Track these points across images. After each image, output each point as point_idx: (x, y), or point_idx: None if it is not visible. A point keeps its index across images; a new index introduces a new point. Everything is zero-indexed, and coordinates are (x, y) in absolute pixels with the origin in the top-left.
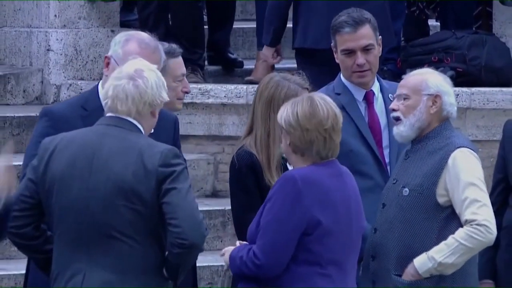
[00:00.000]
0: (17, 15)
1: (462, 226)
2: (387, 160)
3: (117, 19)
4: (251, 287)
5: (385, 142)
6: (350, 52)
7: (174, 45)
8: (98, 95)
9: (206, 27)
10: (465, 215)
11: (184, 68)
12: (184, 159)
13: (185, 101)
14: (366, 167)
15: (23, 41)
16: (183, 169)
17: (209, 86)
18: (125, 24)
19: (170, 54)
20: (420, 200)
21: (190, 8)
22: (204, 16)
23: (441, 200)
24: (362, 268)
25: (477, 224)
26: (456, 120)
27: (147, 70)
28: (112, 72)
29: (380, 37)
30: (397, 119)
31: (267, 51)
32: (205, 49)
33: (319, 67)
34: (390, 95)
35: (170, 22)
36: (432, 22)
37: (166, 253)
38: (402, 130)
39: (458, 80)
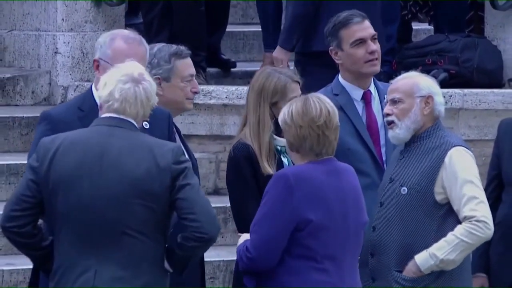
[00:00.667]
0: (26, 19)
1: (459, 223)
2: (384, 158)
3: (122, 23)
4: (254, 287)
5: (382, 140)
6: (361, 42)
7: (182, 47)
8: (93, 96)
9: None
10: (464, 212)
11: (193, 69)
12: (195, 158)
13: None
14: (363, 165)
15: (32, 44)
16: (190, 166)
17: (211, 88)
18: (130, 28)
19: (177, 55)
20: (419, 198)
21: (193, 13)
22: None
23: (438, 197)
24: (359, 264)
25: (476, 221)
26: (449, 120)
27: (146, 74)
28: (104, 72)
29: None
30: (391, 123)
31: (285, 55)
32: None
33: (330, 68)
34: (385, 96)
35: (173, 25)
36: (425, 26)
37: (169, 246)
38: (399, 133)
39: (451, 82)
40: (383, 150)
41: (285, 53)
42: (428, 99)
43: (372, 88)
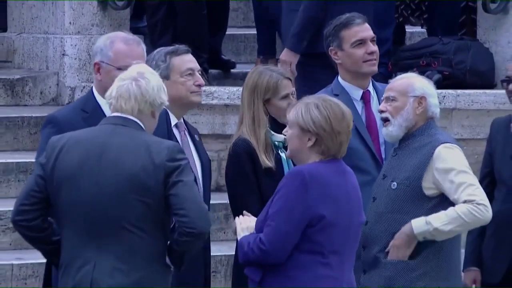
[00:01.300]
0: (35, 22)
1: None
2: (383, 156)
3: (127, 26)
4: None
5: (381, 139)
6: (361, 43)
7: (179, 46)
8: (95, 97)
9: None
10: (463, 197)
11: (193, 64)
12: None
13: None
14: (363, 163)
15: (40, 47)
16: (186, 163)
17: (213, 88)
18: (135, 31)
19: (173, 53)
20: (408, 192)
21: (195, 16)
22: None
23: (427, 192)
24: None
25: (477, 203)
26: (442, 120)
27: (148, 73)
28: (106, 75)
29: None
30: (386, 119)
31: (294, 58)
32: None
33: (330, 69)
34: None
35: (177, 28)
36: (419, 29)
37: (169, 242)
38: (391, 130)
39: (445, 83)
40: (382, 148)
41: (294, 56)
42: (421, 99)
43: (371, 88)
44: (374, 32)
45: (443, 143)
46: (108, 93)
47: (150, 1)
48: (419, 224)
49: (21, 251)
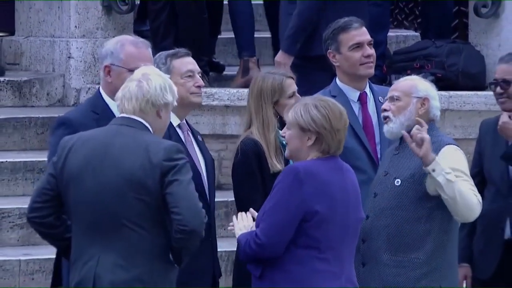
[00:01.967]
0: (41, 26)
1: (447, 215)
2: (378, 155)
3: (131, 30)
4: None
5: (377, 139)
6: (358, 46)
7: (180, 49)
8: (103, 98)
9: None
10: None
11: (193, 66)
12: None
13: None
14: (360, 162)
15: (47, 50)
16: (185, 163)
17: (213, 90)
18: (138, 34)
19: (174, 55)
20: (411, 189)
21: (197, 20)
22: None
23: (429, 190)
24: None
25: (477, 199)
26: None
27: (153, 74)
28: (118, 77)
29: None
30: (386, 118)
31: (288, 60)
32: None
33: (327, 71)
34: (380, 97)
35: (179, 31)
36: (413, 32)
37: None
38: (392, 127)
39: (438, 85)
40: (378, 148)
41: (289, 58)
42: (424, 100)
43: (368, 90)
44: (370, 36)
45: (448, 144)
46: (116, 95)
47: (153, 5)
48: (441, 165)
49: (28, 247)
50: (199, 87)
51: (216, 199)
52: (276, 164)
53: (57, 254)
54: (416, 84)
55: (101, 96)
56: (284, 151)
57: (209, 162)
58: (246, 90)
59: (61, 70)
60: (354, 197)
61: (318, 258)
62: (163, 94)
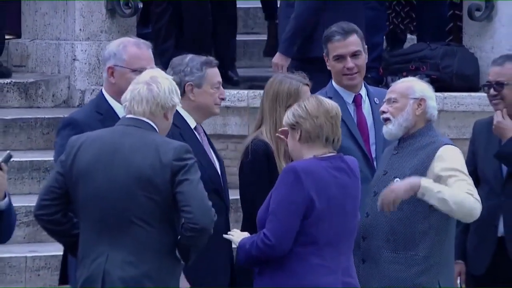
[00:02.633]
0: (47, 29)
1: (443, 215)
2: (373, 155)
3: (134, 32)
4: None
5: (371, 139)
6: (340, 58)
7: (211, 57)
8: (106, 99)
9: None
10: (464, 191)
11: (220, 77)
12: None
13: None
14: None
15: (52, 52)
16: (193, 163)
17: None
18: (140, 37)
19: (208, 64)
20: None
21: (202, 22)
22: None
23: None
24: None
25: (474, 197)
26: None
27: (161, 77)
28: (121, 77)
29: (366, 46)
30: (386, 119)
31: (285, 61)
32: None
33: (325, 73)
34: (375, 98)
35: (184, 34)
36: (408, 35)
37: (179, 236)
38: (391, 129)
39: (432, 86)
40: (372, 148)
41: (286, 59)
42: (420, 101)
43: (363, 91)
44: (366, 39)
45: (445, 144)
46: (123, 96)
47: (155, 8)
48: (428, 181)
49: (34, 244)
50: (222, 99)
51: None
52: (284, 165)
53: (64, 251)
54: (413, 86)
55: (104, 97)
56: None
57: (221, 163)
58: (246, 92)
59: (66, 72)
60: (353, 197)
61: (315, 254)
62: (171, 97)
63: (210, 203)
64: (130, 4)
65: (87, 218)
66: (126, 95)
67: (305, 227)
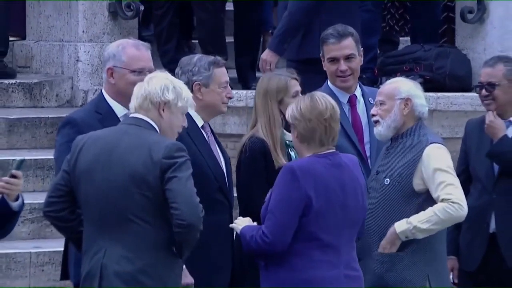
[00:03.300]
0: (51, 31)
1: None
2: (368, 154)
3: (136, 34)
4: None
5: (366, 138)
6: (334, 60)
7: (218, 57)
8: (106, 100)
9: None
10: (442, 196)
11: (227, 77)
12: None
13: None
14: None
15: (56, 53)
16: (185, 160)
17: None
18: (141, 39)
19: (215, 64)
20: (399, 188)
21: (215, 21)
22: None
23: (416, 188)
24: None
25: (452, 202)
26: (424, 121)
27: (157, 77)
28: (120, 78)
29: (362, 48)
30: (376, 122)
31: (274, 58)
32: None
33: (320, 74)
34: (370, 98)
35: (197, 35)
36: (403, 37)
37: None
38: (381, 130)
39: (426, 86)
40: (367, 147)
41: (275, 56)
42: (407, 101)
43: (358, 92)
44: (362, 40)
45: (432, 143)
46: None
47: (157, 10)
48: (400, 224)
49: (38, 240)
50: (229, 98)
51: None
52: (281, 159)
53: (65, 247)
54: (398, 87)
55: (104, 97)
56: (288, 150)
57: (228, 161)
58: (244, 92)
59: (69, 73)
60: (354, 190)
61: (317, 249)
62: (162, 93)
63: (197, 199)
64: (131, 7)
65: (88, 215)
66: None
67: (305, 225)
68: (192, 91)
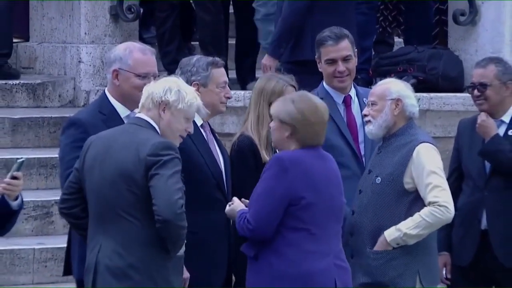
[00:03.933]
0: (54, 33)
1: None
2: (362, 153)
3: (136, 36)
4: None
5: (360, 138)
6: (332, 61)
7: (217, 58)
8: (109, 100)
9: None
10: (428, 198)
11: (226, 77)
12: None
13: None
14: (344, 159)
15: (59, 55)
16: (171, 158)
17: None
18: (143, 40)
19: (214, 64)
20: (390, 187)
21: (215, 23)
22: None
23: (407, 186)
24: (343, 243)
25: (438, 205)
26: (417, 120)
27: (166, 79)
28: (125, 81)
29: (356, 50)
30: (368, 121)
31: (273, 62)
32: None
33: (313, 75)
34: (364, 99)
35: (198, 36)
36: (396, 38)
37: None
38: (372, 129)
39: (419, 87)
40: (361, 146)
41: (273, 61)
42: (397, 101)
43: (352, 92)
44: (357, 42)
45: (422, 142)
46: None
47: (160, 12)
48: (390, 232)
49: (42, 237)
50: (228, 98)
51: None
52: (265, 156)
53: (68, 243)
54: (389, 87)
55: (107, 98)
56: (275, 149)
57: (227, 160)
58: (242, 92)
59: (72, 74)
60: (336, 184)
61: (307, 239)
62: (164, 93)
63: (176, 196)
64: (132, 9)
65: (90, 211)
66: None
67: (294, 212)
68: None
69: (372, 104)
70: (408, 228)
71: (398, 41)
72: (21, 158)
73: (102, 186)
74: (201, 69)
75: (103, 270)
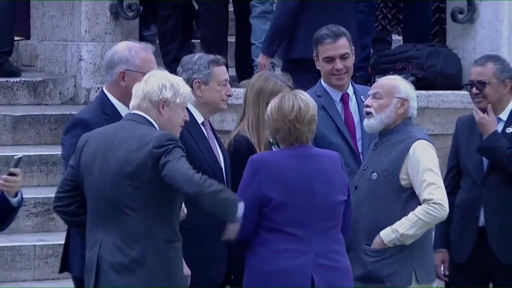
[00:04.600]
0: (55, 31)
1: (420, 204)
2: (360, 150)
3: (136, 34)
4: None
5: (358, 135)
6: (330, 59)
7: (218, 56)
8: (110, 100)
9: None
10: (423, 195)
11: (227, 75)
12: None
13: None
14: (342, 156)
15: (60, 52)
16: (174, 146)
17: None
18: (141, 39)
19: (215, 62)
20: (386, 183)
21: (219, 20)
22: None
23: (403, 183)
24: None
25: (433, 203)
26: (416, 118)
27: (155, 75)
28: (132, 81)
29: (353, 48)
30: (368, 113)
31: (267, 60)
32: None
33: (309, 74)
34: (361, 96)
35: (200, 34)
36: (395, 36)
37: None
38: (372, 123)
39: (418, 85)
40: (359, 143)
41: (267, 59)
42: (404, 101)
43: (350, 90)
44: (355, 41)
45: (418, 139)
46: None
47: (163, 11)
48: (387, 233)
49: (42, 234)
50: (229, 95)
51: None
52: None
53: (66, 240)
54: (398, 85)
55: (108, 98)
56: (272, 148)
57: (227, 158)
58: (242, 90)
59: (72, 71)
60: (324, 180)
61: (282, 238)
62: (160, 92)
63: (192, 172)
64: (132, 8)
65: (89, 207)
66: None
67: (267, 213)
68: (192, 88)
69: (378, 97)
70: (404, 228)
71: (397, 39)
72: (19, 154)
73: (101, 182)
74: (203, 67)
75: (106, 266)
